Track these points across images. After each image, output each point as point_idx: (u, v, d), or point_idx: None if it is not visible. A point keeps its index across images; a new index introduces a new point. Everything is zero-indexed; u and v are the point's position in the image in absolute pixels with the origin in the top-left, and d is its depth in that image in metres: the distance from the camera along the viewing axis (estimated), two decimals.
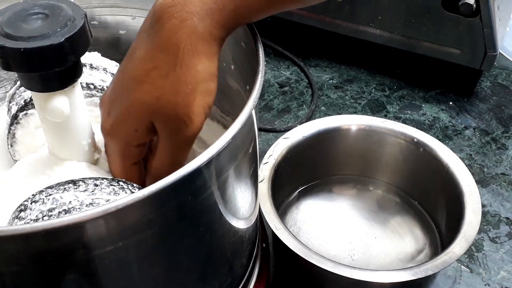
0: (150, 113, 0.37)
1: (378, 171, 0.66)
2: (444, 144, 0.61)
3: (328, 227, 0.62)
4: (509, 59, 0.88)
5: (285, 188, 0.64)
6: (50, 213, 0.36)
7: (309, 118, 0.76)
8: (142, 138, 0.39)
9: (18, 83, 0.47)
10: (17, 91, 0.47)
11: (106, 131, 0.40)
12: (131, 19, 0.54)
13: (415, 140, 0.62)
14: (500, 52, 0.86)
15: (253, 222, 0.45)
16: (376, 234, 0.61)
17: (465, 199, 0.55)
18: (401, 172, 0.65)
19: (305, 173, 0.66)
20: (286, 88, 0.83)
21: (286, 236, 0.52)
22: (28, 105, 0.46)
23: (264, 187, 0.56)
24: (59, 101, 0.38)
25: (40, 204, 0.36)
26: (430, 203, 0.63)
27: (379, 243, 0.61)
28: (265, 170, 0.58)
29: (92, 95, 0.46)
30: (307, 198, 0.65)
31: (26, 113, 0.46)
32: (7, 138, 0.47)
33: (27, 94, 0.46)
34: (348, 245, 0.60)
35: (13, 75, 0.52)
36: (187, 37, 0.36)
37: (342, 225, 0.62)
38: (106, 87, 0.47)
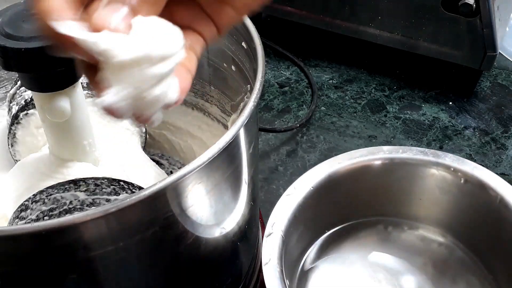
0: None
1: (411, 210, 0.55)
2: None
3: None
4: (509, 59, 0.88)
5: (296, 252, 0.51)
6: (50, 213, 0.36)
7: (309, 118, 0.76)
8: None
9: (19, 83, 0.47)
10: (18, 91, 0.47)
11: None
12: None
13: (452, 169, 0.50)
14: (500, 52, 0.86)
15: (253, 222, 0.45)
16: (416, 285, 0.51)
17: None
18: (439, 209, 0.53)
19: (318, 227, 0.53)
20: (286, 88, 0.83)
21: None
22: (28, 105, 0.46)
23: (271, 269, 0.43)
24: (60, 101, 0.38)
25: (40, 204, 0.36)
26: (480, 245, 0.52)
27: None
28: (269, 247, 0.45)
29: (93, 95, 0.46)
30: (325, 261, 0.52)
31: (27, 113, 0.46)
32: (8, 138, 0.47)
33: (28, 94, 0.46)
34: None
35: (14, 75, 0.52)
36: None
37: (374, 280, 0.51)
38: None
